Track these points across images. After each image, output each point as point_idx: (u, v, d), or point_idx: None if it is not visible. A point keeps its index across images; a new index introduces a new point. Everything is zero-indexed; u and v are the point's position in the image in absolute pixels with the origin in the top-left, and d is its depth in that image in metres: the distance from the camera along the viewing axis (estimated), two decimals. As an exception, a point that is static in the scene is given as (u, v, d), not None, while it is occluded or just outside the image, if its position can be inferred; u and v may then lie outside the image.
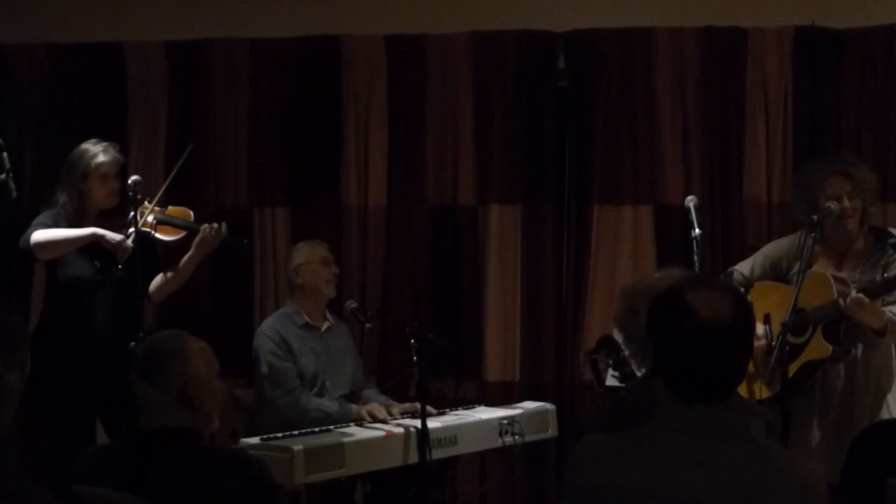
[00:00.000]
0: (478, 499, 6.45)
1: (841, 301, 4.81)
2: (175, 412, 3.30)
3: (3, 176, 5.27)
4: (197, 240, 5.44)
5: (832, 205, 5.02)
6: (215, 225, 5.46)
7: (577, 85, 6.50)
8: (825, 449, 4.96)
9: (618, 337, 3.40)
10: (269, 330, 5.67)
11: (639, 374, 3.45)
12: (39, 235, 5.24)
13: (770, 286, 5.22)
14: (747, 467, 2.36)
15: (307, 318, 5.72)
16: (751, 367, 4.78)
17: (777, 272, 5.26)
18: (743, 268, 5.37)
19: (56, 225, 5.32)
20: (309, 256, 5.74)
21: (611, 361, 3.74)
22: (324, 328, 5.77)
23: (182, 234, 5.49)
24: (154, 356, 3.35)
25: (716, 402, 2.42)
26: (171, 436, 3.30)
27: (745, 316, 2.46)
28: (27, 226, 5.55)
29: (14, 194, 5.34)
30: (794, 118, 6.32)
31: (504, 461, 6.16)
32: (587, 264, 6.44)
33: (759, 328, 4.99)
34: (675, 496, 2.34)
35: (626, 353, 3.35)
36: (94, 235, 5.24)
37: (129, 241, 5.20)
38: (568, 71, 6.51)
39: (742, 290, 5.28)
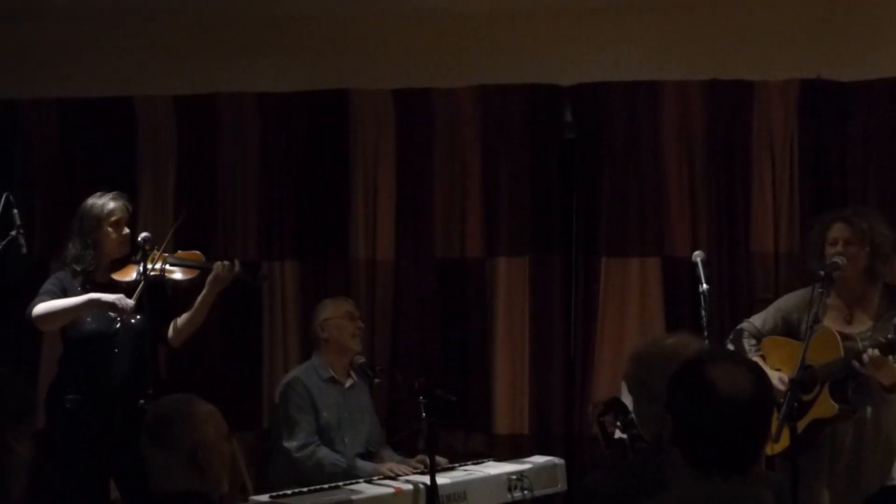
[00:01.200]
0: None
1: (855, 362, 4.81)
2: (184, 476, 3.31)
3: (13, 232, 5.32)
4: (210, 277, 5.46)
5: (840, 259, 5.03)
6: (227, 262, 5.50)
7: (583, 138, 6.53)
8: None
9: (626, 399, 3.40)
10: (293, 380, 5.70)
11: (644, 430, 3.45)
12: (39, 309, 5.27)
13: (780, 341, 5.24)
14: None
15: (332, 373, 5.74)
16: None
17: (788, 326, 5.27)
18: (756, 320, 5.39)
19: (63, 288, 5.34)
20: (335, 311, 5.79)
21: (619, 423, 3.74)
22: (347, 384, 5.79)
23: (195, 273, 5.52)
24: (162, 420, 3.36)
25: (734, 475, 2.43)
26: (180, 500, 3.31)
27: (765, 390, 2.48)
28: (37, 280, 5.58)
29: (24, 250, 5.38)
30: (800, 170, 6.34)
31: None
32: (595, 316, 6.45)
33: (774, 376, 4.99)
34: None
35: (635, 416, 3.34)
36: (90, 302, 5.26)
37: (128, 300, 5.21)
38: (575, 124, 6.55)
39: (754, 341, 5.30)
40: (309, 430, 5.57)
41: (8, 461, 2.51)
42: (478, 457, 5.93)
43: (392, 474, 5.37)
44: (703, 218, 6.39)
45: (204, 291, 5.48)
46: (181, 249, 5.72)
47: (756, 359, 5.22)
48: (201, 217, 6.62)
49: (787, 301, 5.37)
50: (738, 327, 5.42)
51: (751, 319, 5.41)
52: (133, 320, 5.29)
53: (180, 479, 3.30)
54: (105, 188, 5.61)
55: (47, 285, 5.39)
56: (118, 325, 5.33)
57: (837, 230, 5.10)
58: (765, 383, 2.50)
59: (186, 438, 3.30)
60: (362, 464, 5.55)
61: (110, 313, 5.31)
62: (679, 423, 2.48)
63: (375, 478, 5.34)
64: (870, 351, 4.80)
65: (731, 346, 5.35)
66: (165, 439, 3.31)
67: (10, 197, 5.32)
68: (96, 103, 6.70)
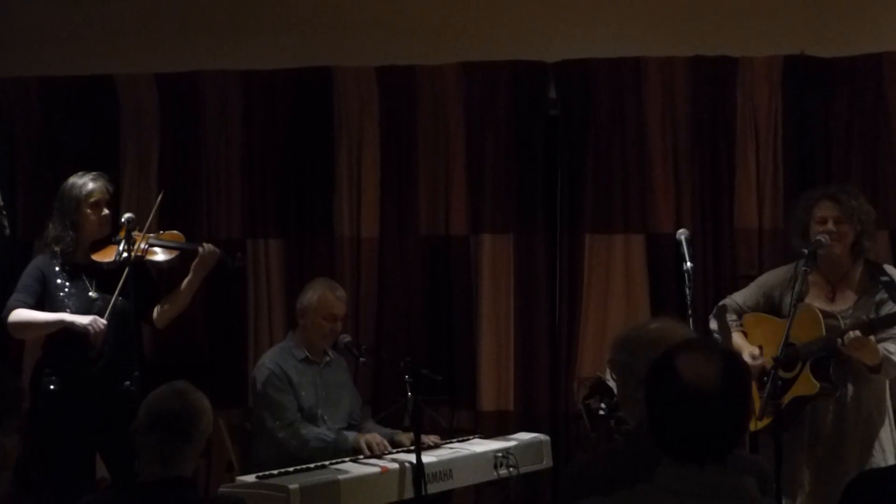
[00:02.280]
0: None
1: (839, 340, 4.84)
2: (192, 464, 3.47)
3: (-5, 214, 5.31)
4: (195, 263, 5.48)
5: (823, 237, 5.05)
6: (209, 245, 5.50)
7: (568, 114, 6.52)
8: (816, 487, 4.98)
9: (610, 382, 3.42)
10: (269, 363, 5.70)
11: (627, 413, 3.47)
12: (14, 317, 5.32)
13: (762, 318, 5.26)
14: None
15: (307, 353, 5.74)
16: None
17: (770, 302, 5.29)
18: (737, 297, 5.40)
19: (42, 277, 5.35)
20: (318, 307, 5.73)
21: (603, 405, 3.76)
22: (323, 363, 5.80)
23: (175, 254, 5.53)
24: (185, 415, 3.45)
25: (709, 464, 2.45)
26: (169, 486, 3.36)
27: (736, 380, 2.49)
28: (21, 262, 5.58)
29: (7, 231, 5.38)
30: (783, 146, 6.35)
31: (499, 493, 6.16)
32: (580, 293, 6.46)
33: (755, 349, 5.03)
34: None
35: (619, 400, 3.36)
36: (61, 322, 5.28)
37: (101, 320, 5.21)
38: (559, 100, 6.54)
39: (735, 317, 5.32)
40: (291, 408, 5.59)
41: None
42: (463, 434, 5.95)
43: (367, 449, 5.40)
44: (687, 194, 6.40)
45: (189, 277, 5.49)
46: (164, 229, 5.72)
47: (737, 334, 5.25)
48: (185, 196, 6.61)
49: (770, 278, 5.39)
50: (721, 303, 5.44)
51: (733, 296, 5.43)
52: (119, 300, 5.28)
53: (188, 467, 3.42)
54: (87, 167, 5.60)
55: (25, 278, 5.39)
56: (99, 304, 5.32)
57: (826, 208, 5.11)
58: (737, 374, 2.51)
59: (205, 432, 3.47)
60: (343, 435, 5.57)
61: (102, 285, 5.31)
62: (651, 412, 2.52)
63: (361, 456, 5.36)
64: (850, 333, 4.82)
65: (714, 323, 5.38)
66: (191, 434, 3.43)
67: (-8, 178, 5.31)
68: (78, 82, 6.67)
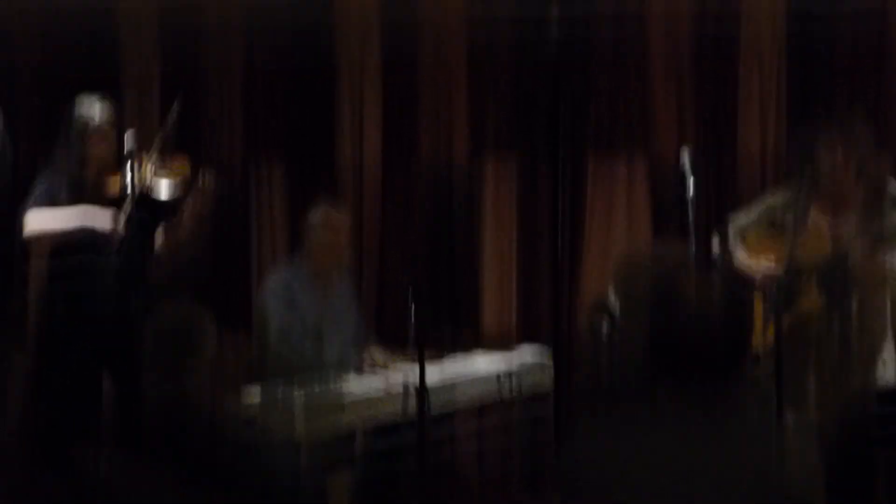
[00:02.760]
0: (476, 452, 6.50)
1: (851, 255, 4.86)
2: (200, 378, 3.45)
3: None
4: (191, 204, 5.45)
5: (827, 156, 5.04)
6: (210, 179, 5.48)
7: (570, 36, 6.46)
8: (821, 397, 5.01)
9: (613, 305, 3.43)
10: (275, 284, 5.71)
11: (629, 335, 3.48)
12: (32, 224, 5.28)
13: (765, 236, 5.26)
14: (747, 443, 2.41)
15: (313, 273, 5.75)
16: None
17: (773, 222, 5.29)
18: (740, 218, 5.40)
19: (52, 194, 5.31)
20: (323, 220, 5.74)
21: (605, 324, 3.77)
22: (329, 283, 5.80)
23: (179, 183, 5.50)
24: (193, 328, 3.47)
25: (710, 383, 2.47)
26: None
27: (736, 304, 2.51)
28: (25, 184, 5.57)
29: (9, 157, 5.36)
30: (787, 67, 6.32)
31: (502, 414, 6.19)
32: (582, 216, 6.48)
33: (760, 267, 5.05)
34: (677, 468, 2.40)
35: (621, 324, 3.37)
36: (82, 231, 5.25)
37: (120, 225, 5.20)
38: (561, 21, 6.47)
39: (740, 238, 5.32)
40: (296, 329, 5.60)
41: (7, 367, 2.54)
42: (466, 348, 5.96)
43: (371, 362, 5.48)
44: (690, 116, 6.39)
45: (188, 209, 5.45)
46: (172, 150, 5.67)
47: (741, 253, 5.26)
48: (186, 120, 6.57)
49: (772, 198, 5.39)
50: (724, 224, 5.44)
51: (735, 215, 5.43)
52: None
53: (194, 382, 3.40)
54: (86, 87, 5.56)
55: (39, 190, 5.36)
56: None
57: (834, 138, 5.10)
58: (737, 297, 2.54)
59: (205, 347, 3.45)
60: (347, 354, 5.61)
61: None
62: (652, 337, 2.53)
63: (365, 371, 5.40)
64: (858, 245, 4.84)
65: (717, 243, 5.38)
66: (190, 349, 3.42)
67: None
68: (78, 4, 6.62)
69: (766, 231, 5.28)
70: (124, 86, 6.61)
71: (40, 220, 5.27)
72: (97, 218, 5.24)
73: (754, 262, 5.20)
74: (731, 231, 5.36)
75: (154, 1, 6.63)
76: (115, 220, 5.19)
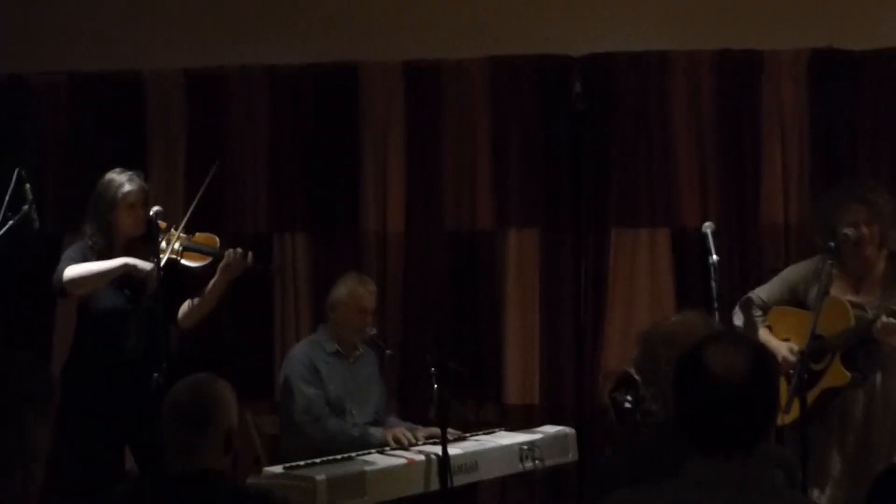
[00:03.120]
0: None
1: (874, 325, 4.84)
2: (216, 457, 3.37)
3: (26, 207, 5.33)
4: (222, 265, 5.44)
5: (849, 231, 5.05)
6: (240, 250, 5.48)
7: (593, 108, 6.51)
8: (846, 477, 4.98)
9: (637, 377, 3.43)
10: (299, 355, 5.73)
11: (655, 407, 3.48)
12: (71, 272, 5.25)
13: (787, 311, 5.26)
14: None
15: (337, 347, 5.77)
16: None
17: (795, 296, 5.30)
18: (762, 292, 5.40)
19: (84, 259, 5.35)
20: (349, 299, 5.75)
21: (630, 399, 3.77)
22: (353, 357, 5.82)
23: (208, 259, 5.50)
24: (198, 406, 3.38)
25: (737, 457, 2.46)
26: (206, 477, 3.36)
27: (764, 373, 2.50)
28: (50, 255, 5.61)
29: (37, 225, 5.40)
30: (810, 140, 6.34)
31: (525, 486, 6.18)
32: (605, 287, 6.47)
33: (783, 347, 5.04)
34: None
35: (645, 393, 3.38)
36: (125, 266, 5.25)
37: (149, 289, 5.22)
38: (584, 95, 6.53)
39: (760, 313, 5.32)
40: (319, 402, 5.60)
41: (30, 445, 2.54)
42: (489, 427, 5.96)
43: (394, 443, 5.42)
44: (712, 189, 6.40)
45: (215, 278, 5.45)
46: (195, 226, 5.71)
47: (763, 330, 5.25)
48: (213, 191, 6.62)
49: (794, 272, 5.39)
50: (745, 298, 5.44)
51: (757, 290, 5.43)
52: (144, 298, 5.30)
53: (212, 460, 3.35)
54: (115, 162, 5.60)
55: (70, 252, 5.38)
56: (130, 306, 5.33)
57: (856, 212, 5.09)
58: (765, 365, 2.52)
59: (223, 424, 3.35)
60: (372, 430, 5.59)
61: (132, 284, 5.32)
62: (679, 405, 2.53)
63: (387, 448, 5.38)
64: (883, 317, 4.83)
65: (738, 318, 5.38)
66: (204, 425, 3.34)
67: (22, 172, 5.32)
68: (105, 77, 6.72)
69: (788, 305, 5.28)
70: (151, 158, 6.68)
71: (82, 269, 5.28)
72: (139, 269, 5.24)
73: (777, 337, 5.20)
74: (754, 306, 5.35)
75: (181, 73, 6.69)
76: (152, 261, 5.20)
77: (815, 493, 4.96)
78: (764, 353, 2.59)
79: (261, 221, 6.69)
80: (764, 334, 5.23)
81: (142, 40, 6.74)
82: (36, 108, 6.78)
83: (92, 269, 5.26)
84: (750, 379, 2.45)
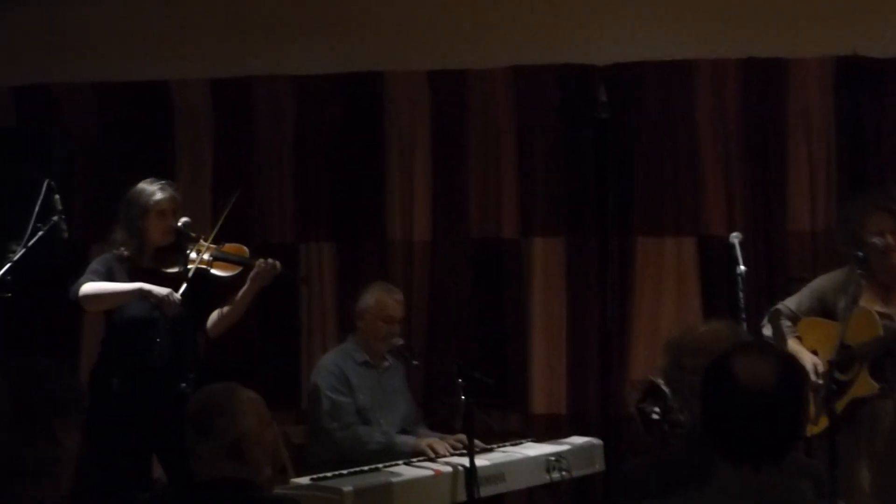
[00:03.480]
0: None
1: None
2: (227, 465, 3.34)
3: (55, 218, 5.35)
4: (252, 274, 5.47)
5: (877, 240, 5.03)
6: (270, 260, 5.50)
7: (618, 117, 6.52)
8: (874, 486, 4.95)
9: (664, 386, 3.42)
10: (329, 364, 5.74)
11: (682, 417, 3.47)
12: (87, 289, 5.28)
13: (816, 322, 5.24)
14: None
15: (367, 357, 5.77)
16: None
17: (824, 307, 5.27)
18: (790, 303, 5.38)
19: (109, 270, 5.37)
20: (376, 308, 5.76)
21: (657, 409, 3.76)
22: (381, 367, 5.82)
23: (238, 269, 5.52)
24: (206, 411, 3.37)
25: (765, 467, 2.45)
26: (224, 486, 3.35)
27: (792, 382, 2.49)
28: (78, 265, 5.63)
29: (66, 235, 5.42)
30: (836, 147, 6.32)
31: (552, 497, 6.16)
32: (631, 295, 6.47)
33: (808, 361, 5.02)
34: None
35: (673, 403, 3.37)
36: (140, 291, 5.28)
37: (177, 295, 5.23)
38: (609, 104, 6.53)
39: (790, 323, 5.30)
40: (349, 410, 5.61)
41: (57, 453, 2.56)
42: (515, 437, 5.96)
43: (431, 451, 5.41)
44: (738, 197, 6.39)
45: (244, 288, 5.47)
46: (223, 236, 5.73)
47: (792, 340, 5.23)
48: (239, 201, 6.64)
49: (822, 282, 5.37)
50: (774, 309, 5.41)
51: (786, 301, 5.41)
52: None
53: (223, 467, 3.33)
54: (143, 172, 5.63)
55: (95, 265, 5.41)
56: (156, 315, 5.35)
57: (882, 221, 5.08)
58: (793, 376, 2.52)
59: (229, 430, 3.30)
60: (402, 438, 5.59)
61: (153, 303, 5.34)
62: (707, 414, 2.52)
63: (415, 459, 5.37)
64: None
65: (767, 328, 5.36)
66: (207, 431, 3.32)
67: (52, 183, 5.35)
68: (133, 87, 6.75)
69: (817, 316, 5.25)
70: (178, 168, 6.72)
71: (97, 287, 5.31)
72: (154, 295, 5.27)
73: (806, 348, 5.17)
74: (783, 317, 5.33)
75: (207, 82, 6.72)
76: (172, 298, 5.21)
77: (845, 504, 4.94)
78: (792, 363, 2.58)
79: (287, 231, 6.72)
80: (793, 345, 5.20)
81: (169, 50, 6.78)
82: (64, 117, 6.81)
83: (107, 289, 5.31)
84: (777, 389, 2.45)
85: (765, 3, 6.42)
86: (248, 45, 6.76)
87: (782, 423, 2.49)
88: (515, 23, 6.62)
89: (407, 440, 5.58)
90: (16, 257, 5.08)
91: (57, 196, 5.36)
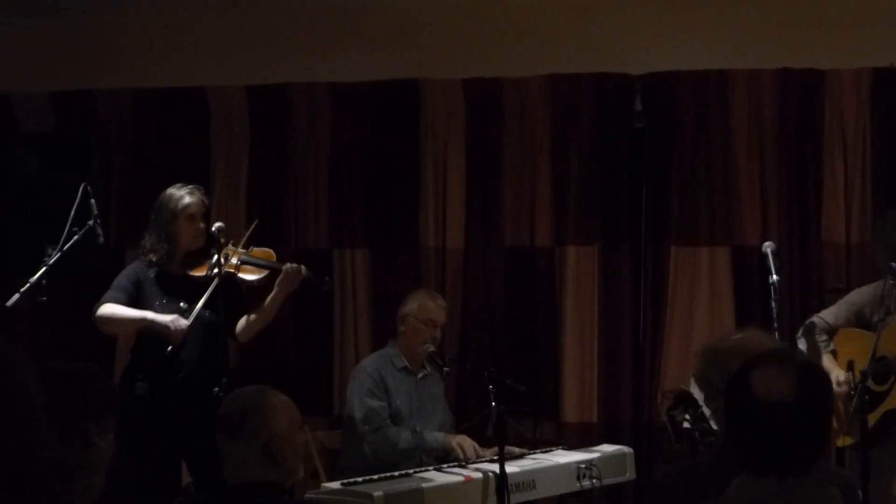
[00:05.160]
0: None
1: None
2: (258, 468, 3.37)
3: (91, 222, 5.39)
4: (279, 279, 5.52)
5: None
6: (295, 264, 5.54)
7: (653, 127, 6.52)
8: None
9: (696, 394, 3.42)
10: (368, 368, 5.76)
11: (715, 426, 3.47)
12: (104, 310, 5.39)
13: (854, 333, 5.22)
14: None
15: (406, 363, 5.79)
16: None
17: (860, 320, 5.25)
18: (827, 315, 5.36)
19: (137, 282, 5.44)
20: (418, 312, 5.79)
21: (688, 417, 3.75)
22: (420, 375, 5.84)
23: (265, 273, 5.57)
24: (236, 414, 3.41)
25: (788, 475, 2.45)
26: (254, 490, 3.37)
27: (813, 393, 2.49)
28: (114, 270, 5.68)
29: (101, 239, 5.47)
30: (872, 159, 6.30)
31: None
32: (664, 305, 6.46)
33: (842, 374, 5.00)
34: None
35: (705, 410, 3.37)
36: (144, 320, 5.36)
37: (183, 321, 5.28)
38: (644, 113, 6.54)
39: (825, 337, 5.27)
40: (382, 413, 5.63)
41: (90, 456, 2.58)
42: (546, 445, 5.95)
43: (459, 449, 5.43)
44: (773, 207, 6.37)
45: (273, 293, 5.53)
46: (255, 243, 5.77)
47: (827, 355, 5.20)
48: (273, 206, 6.70)
49: (859, 295, 5.35)
50: (809, 321, 5.39)
51: (821, 314, 5.39)
52: (206, 313, 5.36)
53: (254, 470, 3.36)
54: (179, 178, 5.69)
55: (121, 279, 5.48)
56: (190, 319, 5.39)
57: None
58: (814, 385, 2.51)
59: (260, 432, 3.34)
60: (431, 435, 5.61)
61: (189, 297, 5.38)
62: (728, 425, 2.53)
63: (445, 465, 5.38)
64: None
65: (802, 342, 5.34)
66: (239, 433, 3.35)
67: (88, 187, 5.40)
68: (170, 93, 6.80)
69: (852, 328, 5.23)
70: (214, 174, 6.76)
71: (111, 311, 5.38)
72: (158, 324, 5.32)
73: (842, 359, 5.15)
74: (819, 329, 5.31)
75: (243, 89, 6.76)
76: (178, 325, 5.27)
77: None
78: (814, 372, 2.58)
79: (321, 237, 6.74)
80: (827, 361, 5.18)
81: (205, 57, 6.82)
82: (102, 123, 6.86)
83: (119, 314, 5.40)
84: (797, 400, 2.44)
85: (801, 14, 6.41)
86: (284, 53, 6.79)
87: (804, 434, 2.48)
88: (551, 31, 6.63)
89: (437, 436, 5.61)
90: (51, 261, 5.13)
91: (93, 200, 5.41)
